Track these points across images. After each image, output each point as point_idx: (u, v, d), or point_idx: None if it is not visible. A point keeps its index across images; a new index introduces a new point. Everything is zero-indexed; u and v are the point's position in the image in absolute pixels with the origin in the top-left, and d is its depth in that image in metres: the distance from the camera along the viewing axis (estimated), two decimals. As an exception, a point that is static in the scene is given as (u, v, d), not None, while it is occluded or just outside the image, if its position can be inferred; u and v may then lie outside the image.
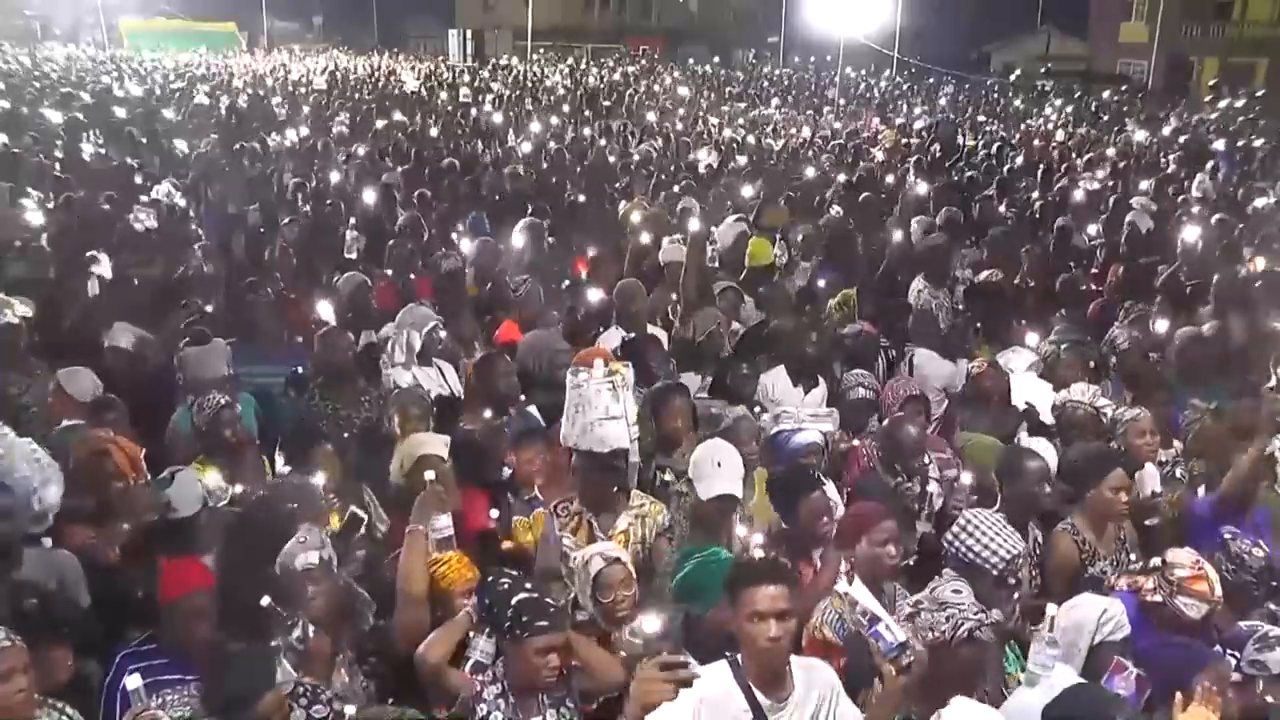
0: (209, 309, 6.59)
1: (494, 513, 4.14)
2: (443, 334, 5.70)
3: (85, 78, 24.59)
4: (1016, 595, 3.67)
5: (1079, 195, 11.51)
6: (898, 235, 8.77)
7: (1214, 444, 4.93)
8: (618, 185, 11.46)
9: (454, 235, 8.82)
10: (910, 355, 6.26)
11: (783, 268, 8.27)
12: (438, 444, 4.22)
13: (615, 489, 4.13)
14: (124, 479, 4.15)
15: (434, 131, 15.53)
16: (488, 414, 4.87)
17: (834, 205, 10.31)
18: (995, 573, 3.55)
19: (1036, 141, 17.91)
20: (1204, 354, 6.02)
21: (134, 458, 4.30)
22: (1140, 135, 18.30)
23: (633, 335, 5.93)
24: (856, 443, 4.93)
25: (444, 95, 22.18)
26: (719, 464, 3.93)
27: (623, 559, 3.54)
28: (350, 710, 3.00)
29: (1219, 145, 15.98)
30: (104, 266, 6.94)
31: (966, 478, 4.50)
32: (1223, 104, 24.19)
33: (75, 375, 4.98)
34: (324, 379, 5.43)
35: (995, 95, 29.56)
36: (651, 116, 19.27)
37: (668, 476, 4.59)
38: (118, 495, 4.11)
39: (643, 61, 39.22)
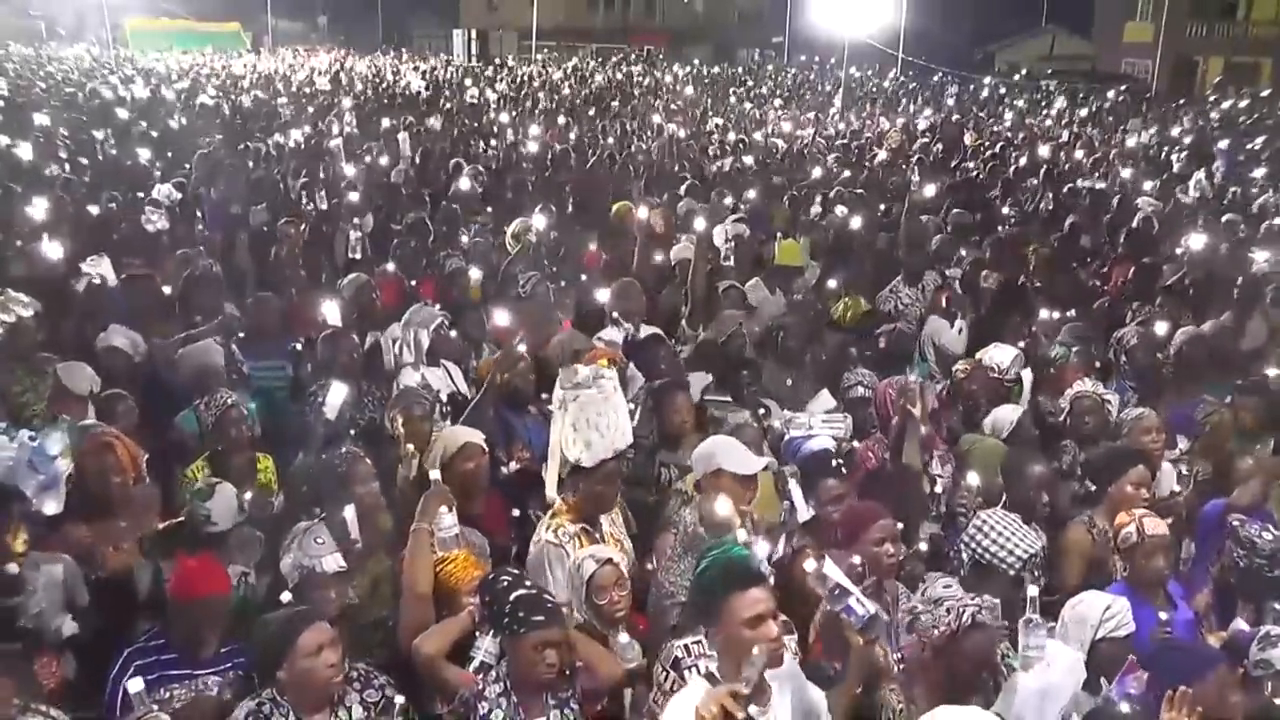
0: (211, 309, 6.57)
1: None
2: (451, 332, 5.70)
3: (93, 76, 24.60)
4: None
5: (1083, 195, 11.47)
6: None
7: (1226, 441, 4.97)
8: (624, 186, 11.43)
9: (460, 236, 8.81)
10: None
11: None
12: (476, 433, 4.28)
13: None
14: (124, 475, 4.18)
15: (434, 126, 15.44)
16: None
17: (838, 205, 10.28)
18: (1012, 573, 3.55)
19: (1041, 140, 17.84)
20: (1202, 354, 6.04)
21: (134, 455, 4.32)
22: (1144, 137, 18.23)
23: (637, 335, 5.92)
24: (858, 445, 4.91)
25: (450, 100, 22.12)
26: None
27: (615, 560, 3.54)
28: (400, 699, 3.09)
29: (1223, 145, 15.92)
30: (104, 267, 6.92)
31: (973, 479, 4.49)
32: (1226, 104, 24.09)
33: (72, 369, 5.01)
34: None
35: (1001, 94, 29.48)
36: (656, 118, 19.20)
37: (674, 473, 4.60)
38: (118, 490, 4.13)
39: (642, 59, 39.15)
